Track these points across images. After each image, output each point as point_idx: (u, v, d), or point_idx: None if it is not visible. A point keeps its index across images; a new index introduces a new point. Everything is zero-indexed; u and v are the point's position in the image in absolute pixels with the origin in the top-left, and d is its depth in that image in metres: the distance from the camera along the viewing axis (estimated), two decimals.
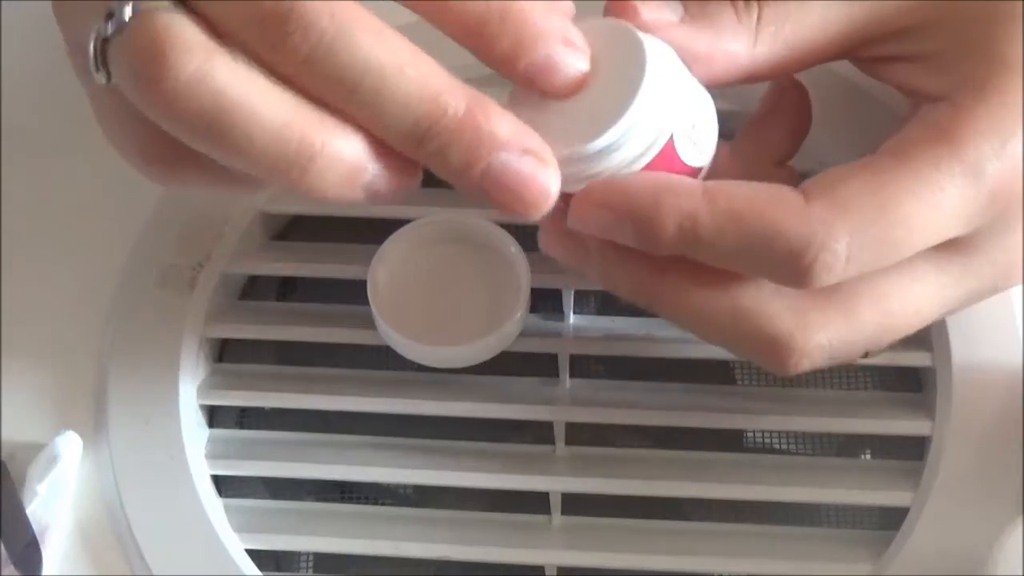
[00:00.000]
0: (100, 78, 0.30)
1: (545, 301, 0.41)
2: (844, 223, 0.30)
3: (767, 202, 0.30)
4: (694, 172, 0.32)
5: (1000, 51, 0.31)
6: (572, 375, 0.41)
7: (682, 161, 0.32)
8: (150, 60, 0.28)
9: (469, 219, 0.40)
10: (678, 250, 0.31)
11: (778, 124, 0.36)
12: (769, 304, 0.32)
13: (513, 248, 0.39)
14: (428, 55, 0.29)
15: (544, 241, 0.35)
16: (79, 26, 0.30)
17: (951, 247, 0.32)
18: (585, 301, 0.43)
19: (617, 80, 0.31)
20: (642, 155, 0.31)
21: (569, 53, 0.31)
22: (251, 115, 0.28)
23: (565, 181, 0.31)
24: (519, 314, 0.39)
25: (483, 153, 0.29)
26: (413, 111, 0.29)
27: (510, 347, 0.40)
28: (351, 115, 0.29)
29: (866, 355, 0.33)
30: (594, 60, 0.31)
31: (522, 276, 0.39)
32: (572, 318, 0.41)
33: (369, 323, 0.40)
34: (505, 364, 0.41)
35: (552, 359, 0.41)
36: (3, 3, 0.46)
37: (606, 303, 0.44)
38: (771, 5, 0.33)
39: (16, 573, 0.38)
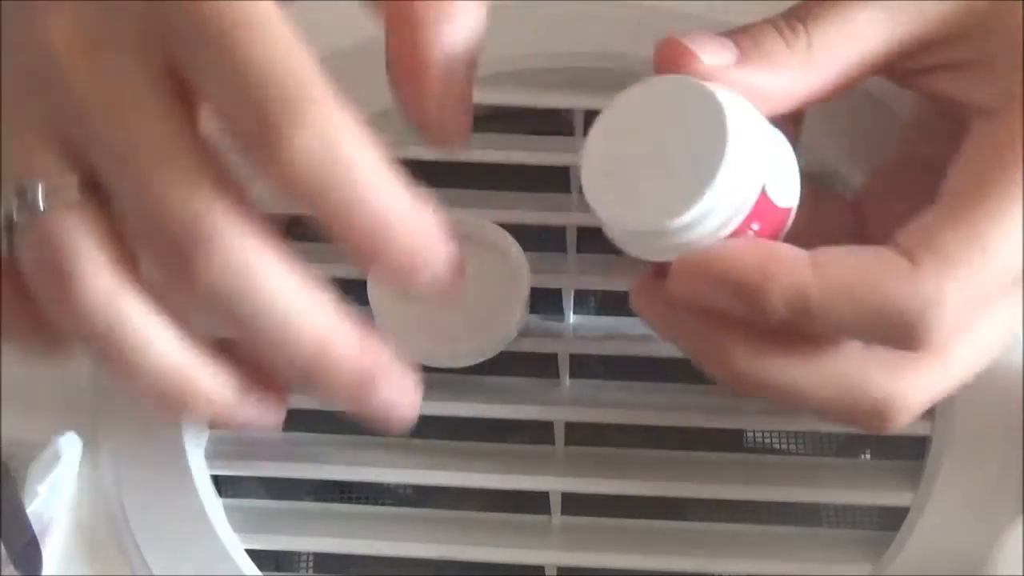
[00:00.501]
0: (2, 248, 0.30)
1: (545, 301, 0.41)
2: (954, 283, 0.30)
3: (877, 272, 0.30)
4: (788, 212, 0.32)
5: None
6: (572, 375, 0.41)
7: (775, 206, 0.31)
8: (57, 272, 0.29)
9: (470, 218, 0.40)
10: (786, 323, 0.30)
11: None
12: (868, 370, 0.32)
13: (514, 248, 0.39)
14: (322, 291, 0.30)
15: (639, 307, 0.34)
16: None
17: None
18: (585, 301, 0.43)
19: (699, 142, 0.30)
20: (737, 213, 0.31)
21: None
22: (142, 353, 0.30)
23: (657, 251, 0.31)
24: (519, 314, 0.39)
25: (365, 396, 0.31)
26: (304, 357, 0.30)
27: (510, 347, 0.40)
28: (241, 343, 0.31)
29: None
30: (668, 122, 0.31)
31: (523, 276, 0.39)
32: (572, 318, 0.41)
33: (369, 323, 0.40)
34: (505, 364, 0.41)
35: (552, 359, 0.41)
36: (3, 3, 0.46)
37: (606, 303, 0.44)
38: (817, 27, 0.32)
39: (16, 573, 0.38)
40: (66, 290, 0.29)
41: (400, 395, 0.32)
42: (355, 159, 0.28)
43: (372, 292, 0.39)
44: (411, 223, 0.29)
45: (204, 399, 0.31)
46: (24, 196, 0.29)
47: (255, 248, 0.29)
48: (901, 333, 0.30)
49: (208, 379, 0.31)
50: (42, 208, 0.29)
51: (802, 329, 0.31)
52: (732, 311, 0.31)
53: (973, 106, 0.32)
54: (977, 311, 0.31)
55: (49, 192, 0.29)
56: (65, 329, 0.30)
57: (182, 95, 0.29)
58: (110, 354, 0.30)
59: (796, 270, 0.30)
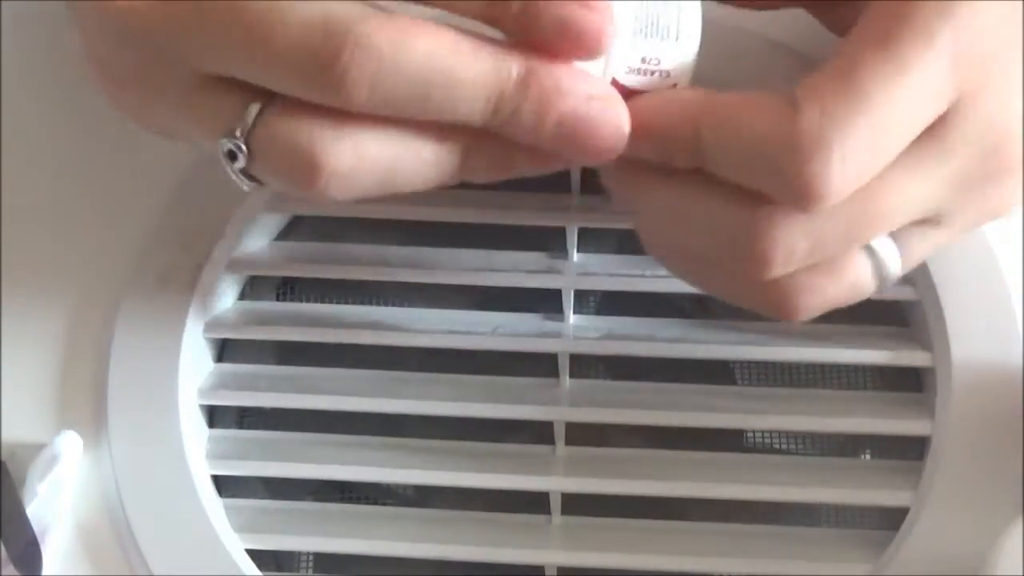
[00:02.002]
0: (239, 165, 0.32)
1: (545, 301, 0.41)
2: (832, 126, 0.29)
3: (761, 109, 0.30)
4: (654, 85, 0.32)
5: None
6: (572, 375, 0.41)
7: (627, 88, 0.32)
8: (302, 166, 0.31)
9: None
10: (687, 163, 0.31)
11: None
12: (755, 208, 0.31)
13: None
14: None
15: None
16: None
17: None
18: (585, 301, 0.43)
19: None
20: None
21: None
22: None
23: None
24: None
25: (550, 108, 0.30)
26: (482, 92, 0.29)
27: (510, 347, 0.40)
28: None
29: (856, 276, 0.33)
30: None
31: None
32: (572, 318, 0.41)
33: (369, 323, 0.40)
34: (505, 364, 0.41)
35: (552, 359, 0.41)
36: (3, 3, 0.46)
37: (606, 303, 0.44)
38: None
39: (16, 573, 0.38)
40: (315, 177, 0.31)
41: (594, 111, 0.30)
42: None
43: None
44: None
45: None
46: (229, 138, 0.31)
47: (389, 27, 0.29)
48: (786, 173, 0.29)
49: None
50: (246, 138, 0.31)
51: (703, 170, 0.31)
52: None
53: None
54: (871, 166, 0.30)
55: (241, 126, 0.31)
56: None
57: None
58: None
59: (690, 107, 0.31)
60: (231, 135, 0.31)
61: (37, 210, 0.44)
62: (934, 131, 0.31)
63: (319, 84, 0.29)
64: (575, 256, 0.42)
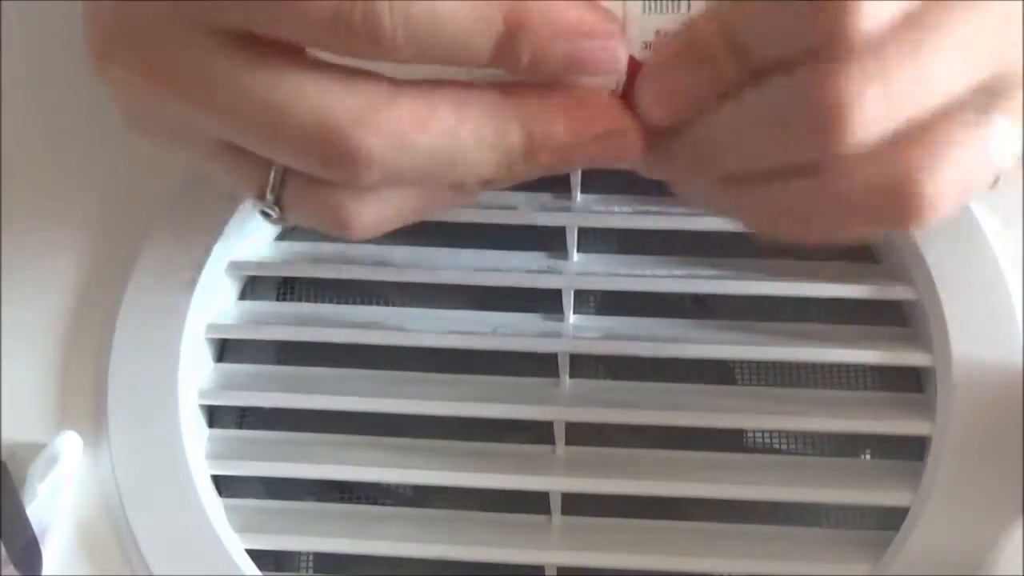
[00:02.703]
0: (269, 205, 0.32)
1: (545, 301, 0.41)
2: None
3: None
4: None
5: None
6: (572, 375, 0.41)
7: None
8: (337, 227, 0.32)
9: None
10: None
11: None
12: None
13: None
14: None
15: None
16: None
17: None
18: (585, 301, 0.43)
19: None
20: None
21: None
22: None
23: None
24: None
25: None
26: (492, 157, 0.30)
27: (510, 347, 0.40)
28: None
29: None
30: None
31: None
32: (572, 318, 0.41)
33: (369, 323, 0.40)
34: (505, 364, 0.41)
35: (552, 359, 0.41)
36: (3, 3, 0.46)
37: (606, 303, 0.44)
38: None
39: (16, 573, 0.38)
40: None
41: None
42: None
43: None
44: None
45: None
46: (261, 199, 0.32)
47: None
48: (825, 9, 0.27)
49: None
50: (276, 197, 0.32)
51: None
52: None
53: None
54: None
55: (269, 187, 0.32)
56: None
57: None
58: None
59: (709, 15, 0.29)
60: (261, 196, 0.32)
61: (37, 210, 0.44)
62: None
63: (332, 170, 0.30)
64: (575, 256, 0.42)
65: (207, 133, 0.32)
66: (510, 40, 0.28)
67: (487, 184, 0.31)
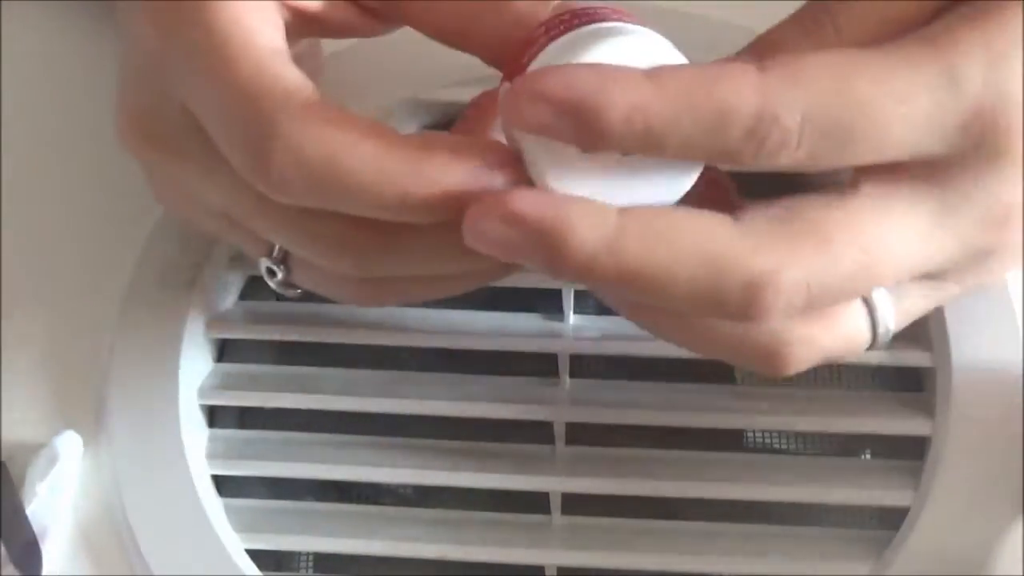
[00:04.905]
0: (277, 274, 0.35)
1: (545, 301, 0.41)
2: (797, 96, 0.27)
3: (717, 77, 0.27)
4: None
5: None
6: (572, 375, 0.41)
7: None
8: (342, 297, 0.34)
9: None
10: (626, 146, 0.28)
11: None
12: (735, 244, 0.28)
13: None
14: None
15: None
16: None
17: (923, 174, 0.29)
18: (585, 301, 0.43)
19: None
20: None
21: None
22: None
23: None
24: None
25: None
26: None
27: (510, 347, 0.40)
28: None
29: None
30: None
31: None
32: (572, 318, 0.41)
33: (369, 323, 0.40)
34: (505, 364, 0.41)
35: (552, 359, 0.41)
36: (3, 3, 0.46)
37: (606, 303, 0.44)
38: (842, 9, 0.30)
39: (16, 573, 0.38)
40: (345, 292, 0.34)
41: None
42: (330, 152, 0.28)
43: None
44: (421, 177, 0.29)
45: None
46: (268, 258, 0.34)
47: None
48: (739, 142, 0.27)
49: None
50: (283, 262, 0.35)
51: (645, 153, 0.28)
52: (566, 137, 0.28)
53: None
54: (832, 156, 0.28)
55: (274, 251, 0.34)
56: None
57: None
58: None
59: (634, 86, 0.27)
60: (268, 255, 0.34)
61: (37, 210, 0.44)
62: (932, 176, 0.30)
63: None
64: None
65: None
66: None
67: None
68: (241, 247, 0.35)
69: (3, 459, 0.40)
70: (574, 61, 0.28)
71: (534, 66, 0.29)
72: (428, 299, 0.34)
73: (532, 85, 0.27)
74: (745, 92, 0.27)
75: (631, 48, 0.28)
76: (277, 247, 0.34)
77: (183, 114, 0.31)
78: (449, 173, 0.28)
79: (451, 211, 0.29)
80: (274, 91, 0.29)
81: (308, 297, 0.44)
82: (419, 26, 0.32)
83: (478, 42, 0.32)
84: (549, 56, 0.29)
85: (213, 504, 0.40)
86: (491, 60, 0.32)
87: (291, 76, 0.29)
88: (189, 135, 0.32)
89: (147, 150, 0.33)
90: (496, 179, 0.29)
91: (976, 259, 0.31)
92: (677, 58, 0.29)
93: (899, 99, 0.28)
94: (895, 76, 0.28)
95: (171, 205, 0.37)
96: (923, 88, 0.28)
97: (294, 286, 0.35)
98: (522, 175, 0.29)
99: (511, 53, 0.30)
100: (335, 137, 0.28)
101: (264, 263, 0.34)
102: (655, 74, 0.27)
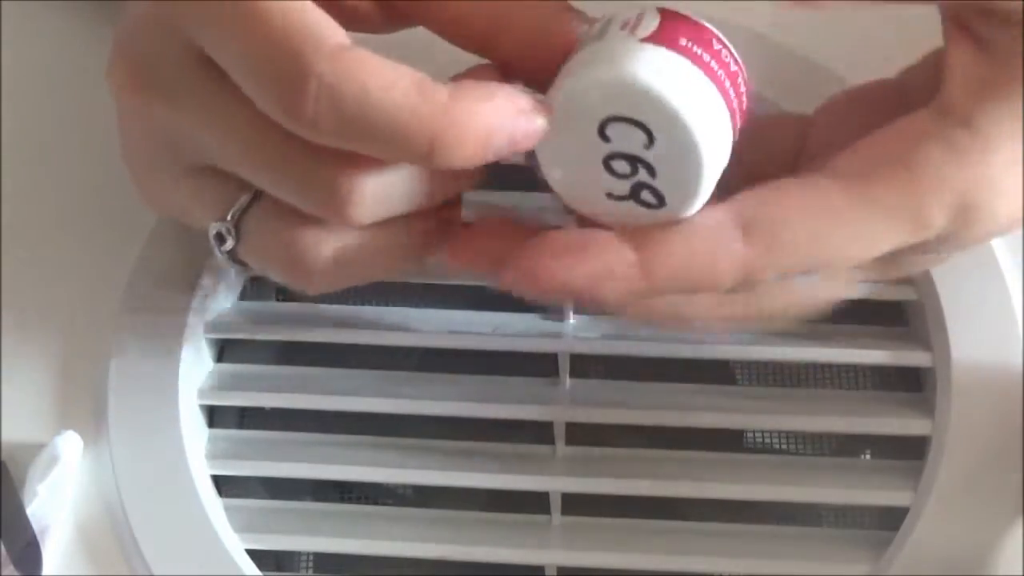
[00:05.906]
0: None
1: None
2: (775, 263, 0.31)
3: (705, 255, 0.31)
4: None
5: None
6: (572, 375, 0.41)
7: None
8: (285, 259, 0.34)
9: None
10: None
11: None
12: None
13: None
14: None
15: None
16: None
17: None
18: None
19: None
20: None
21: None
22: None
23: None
24: None
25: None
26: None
27: (510, 347, 0.40)
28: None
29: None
30: None
31: None
32: (572, 318, 0.41)
33: (369, 323, 0.40)
34: (505, 364, 0.41)
35: (552, 359, 0.41)
36: (3, 3, 0.46)
37: None
38: None
39: (16, 573, 0.38)
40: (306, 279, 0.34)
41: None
42: (364, 92, 0.29)
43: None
44: (449, 116, 0.29)
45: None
46: (221, 222, 0.34)
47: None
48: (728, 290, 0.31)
49: None
50: (235, 228, 0.34)
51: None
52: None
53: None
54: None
55: (232, 212, 0.34)
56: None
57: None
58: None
59: (624, 281, 0.31)
60: (222, 217, 0.34)
61: (37, 210, 0.44)
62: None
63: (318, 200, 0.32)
64: None
65: (197, 151, 0.33)
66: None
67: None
68: (193, 218, 0.35)
69: (3, 459, 0.40)
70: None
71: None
72: (379, 277, 0.35)
73: (529, 275, 0.31)
74: (731, 268, 0.30)
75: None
76: (231, 212, 0.34)
77: (188, 59, 0.32)
78: (479, 116, 0.30)
79: (479, 156, 0.30)
80: (310, 31, 0.29)
81: (308, 297, 0.44)
82: (441, 27, 0.33)
83: (508, 45, 0.32)
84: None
85: (213, 504, 0.40)
86: (517, 63, 0.32)
87: (324, 19, 0.30)
88: (191, 80, 0.32)
89: (137, 94, 0.33)
90: (523, 123, 0.30)
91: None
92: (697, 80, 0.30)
93: (868, 247, 0.31)
94: (867, 228, 0.31)
95: (135, 161, 0.36)
96: (894, 236, 0.31)
97: (241, 262, 0.35)
98: (550, 116, 0.31)
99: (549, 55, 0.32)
100: (370, 78, 0.29)
101: (215, 227, 0.34)
102: (645, 260, 0.31)
